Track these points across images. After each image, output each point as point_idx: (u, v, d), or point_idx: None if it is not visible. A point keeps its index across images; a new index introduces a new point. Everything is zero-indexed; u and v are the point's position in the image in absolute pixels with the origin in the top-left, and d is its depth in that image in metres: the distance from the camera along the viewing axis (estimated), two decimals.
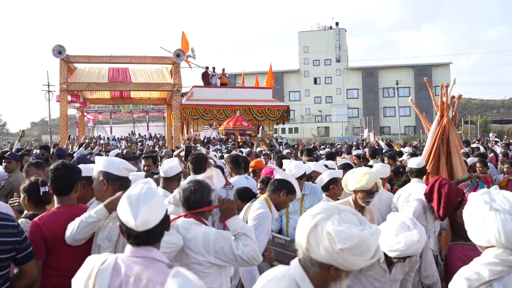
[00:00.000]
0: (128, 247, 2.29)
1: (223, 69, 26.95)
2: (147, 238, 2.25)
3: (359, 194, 4.49)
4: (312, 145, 22.00)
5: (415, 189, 5.58)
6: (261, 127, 26.53)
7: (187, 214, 3.40)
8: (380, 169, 6.45)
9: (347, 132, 69.16)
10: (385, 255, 3.52)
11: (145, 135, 47.32)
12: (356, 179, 4.44)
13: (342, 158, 9.88)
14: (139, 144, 38.48)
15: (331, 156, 9.72)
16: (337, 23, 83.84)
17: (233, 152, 8.09)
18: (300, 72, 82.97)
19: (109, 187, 3.51)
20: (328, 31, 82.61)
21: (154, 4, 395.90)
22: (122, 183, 3.52)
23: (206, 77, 25.42)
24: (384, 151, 11.89)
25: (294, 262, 2.08)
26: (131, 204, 2.25)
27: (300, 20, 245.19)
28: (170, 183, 4.88)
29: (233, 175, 6.49)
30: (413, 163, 6.04)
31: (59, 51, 20.24)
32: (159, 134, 45.84)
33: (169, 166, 4.96)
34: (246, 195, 5.05)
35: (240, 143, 18.45)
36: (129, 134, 51.43)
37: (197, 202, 3.37)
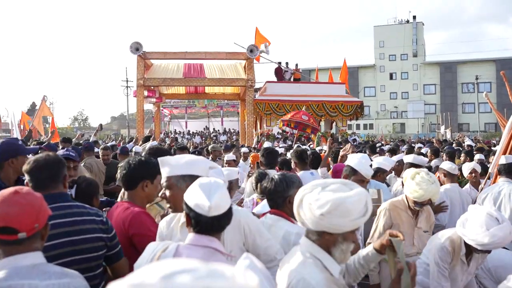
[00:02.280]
0: (190, 236, 2.32)
1: (296, 65, 26.93)
2: (216, 224, 2.28)
3: (410, 199, 4.37)
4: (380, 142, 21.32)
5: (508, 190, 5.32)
6: (334, 123, 26.29)
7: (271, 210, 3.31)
8: (382, 162, 6.25)
9: (424, 128, 67.43)
10: (466, 246, 3.51)
11: (219, 130, 47.96)
12: (411, 189, 4.25)
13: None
14: (214, 138, 39.09)
15: (394, 152, 9.71)
16: (414, 17, 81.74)
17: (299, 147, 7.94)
18: (375, 67, 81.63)
19: None
20: (405, 25, 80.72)
21: (228, 0, 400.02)
22: None
23: (279, 73, 25.44)
24: (445, 147, 11.18)
25: (302, 240, 2.34)
26: (204, 189, 2.26)
27: (376, 14, 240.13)
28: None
29: (298, 171, 6.36)
30: (503, 159, 5.69)
31: (136, 48, 20.75)
32: (233, 129, 46.36)
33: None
34: None
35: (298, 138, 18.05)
36: (203, 128, 52.32)
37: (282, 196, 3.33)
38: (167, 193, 2.92)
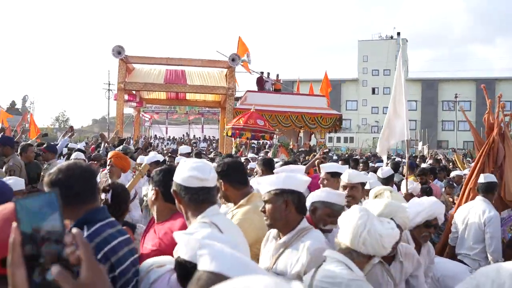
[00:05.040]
0: None
1: (277, 75, 27.00)
2: None
3: None
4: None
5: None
6: (313, 135, 26.43)
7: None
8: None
9: (403, 144, 68.05)
10: None
11: (199, 137, 47.96)
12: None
13: None
14: (193, 145, 39.08)
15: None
16: (398, 33, 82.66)
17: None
18: (358, 81, 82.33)
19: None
20: (389, 41, 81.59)
21: (212, 9, 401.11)
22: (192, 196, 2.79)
23: (261, 82, 25.51)
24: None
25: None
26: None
27: (361, 29, 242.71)
28: None
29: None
30: (481, 178, 5.87)
31: (118, 51, 20.78)
32: (213, 136, 46.38)
33: None
34: None
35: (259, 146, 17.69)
36: (183, 135, 52.26)
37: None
38: (266, 207, 2.99)
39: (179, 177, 2.81)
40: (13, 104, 79.19)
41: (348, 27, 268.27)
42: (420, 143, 33.72)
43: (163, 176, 3.20)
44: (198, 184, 2.72)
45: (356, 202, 4.49)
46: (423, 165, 12.40)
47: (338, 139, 68.19)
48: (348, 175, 4.57)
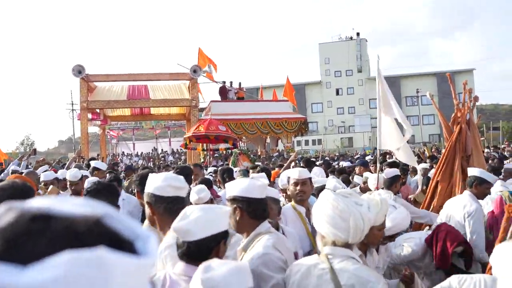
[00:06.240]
0: (180, 265, 2.30)
1: (240, 83, 27.20)
2: (196, 252, 2.23)
3: None
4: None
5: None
6: (279, 140, 26.67)
7: None
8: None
9: (371, 142, 68.84)
10: None
11: (167, 151, 47.79)
12: None
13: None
14: (162, 159, 38.94)
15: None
16: (358, 34, 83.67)
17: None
18: (322, 84, 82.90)
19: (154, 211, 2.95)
20: (349, 42, 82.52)
21: (171, 21, 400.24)
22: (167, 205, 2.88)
23: (224, 92, 25.68)
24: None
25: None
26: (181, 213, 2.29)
27: (321, 31, 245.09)
28: None
29: (223, 188, 6.49)
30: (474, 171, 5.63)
31: (78, 70, 20.69)
32: (180, 149, 46.28)
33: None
34: None
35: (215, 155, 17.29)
36: (152, 150, 52.04)
37: None
38: None
39: (152, 187, 2.89)
40: None
41: (308, 30, 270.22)
42: (378, 141, 34.01)
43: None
44: (173, 193, 2.82)
45: (307, 196, 4.75)
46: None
47: (306, 142, 68.51)
48: (298, 172, 4.73)
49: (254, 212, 3.03)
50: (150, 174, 3.08)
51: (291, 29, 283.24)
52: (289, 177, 4.90)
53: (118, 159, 39.08)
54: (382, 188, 6.19)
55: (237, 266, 1.83)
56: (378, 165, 6.83)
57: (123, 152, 50.60)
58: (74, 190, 6.61)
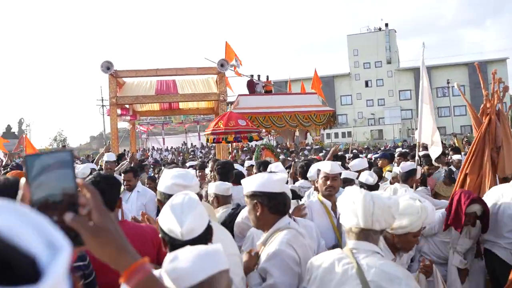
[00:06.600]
0: None
1: (267, 77, 27.14)
2: None
3: None
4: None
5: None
6: (308, 133, 26.53)
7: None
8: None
9: (401, 134, 68.14)
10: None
11: (196, 145, 48.01)
12: None
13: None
14: (191, 154, 39.13)
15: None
16: (386, 24, 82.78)
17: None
18: (350, 76, 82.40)
19: None
20: (378, 33, 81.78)
21: (198, 16, 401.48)
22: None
23: (251, 85, 25.64)
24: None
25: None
26: (175, 212, 2.19)
27: (349, 23, 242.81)
28: None
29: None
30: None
31: (107, 67, 20.79)
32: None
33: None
34: (293, 196, 5.01)
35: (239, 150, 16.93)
36: (181, 144, 52.35)
37: None
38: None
39: (162, 186, 2.90)
40: (8, 128, 79.32)
41: (336, 22, 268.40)
42: (417, 132, 33.59)
43: None
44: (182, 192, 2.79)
45: (336, 191, 4.63)
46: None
47: (336, 135, 68.29)
48: (330, 166, 4.63)
49: (275, 207, 3.02)
50: (163, 171, 3.08)
51: (319, 21, 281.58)
52: (318, 170, 4.78)
53: (148, 154, 39.35)
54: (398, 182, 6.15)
55: (205, 251, 1.77)
56: (417, 157, 6.76)
57: (153, 146, 50.98)
58: None
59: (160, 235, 2.27)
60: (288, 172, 7.75)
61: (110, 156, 9.38)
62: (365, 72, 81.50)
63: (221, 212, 4.68)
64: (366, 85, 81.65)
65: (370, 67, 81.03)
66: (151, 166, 13.28)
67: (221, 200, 4.93)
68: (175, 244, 2.13)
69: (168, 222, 2.19)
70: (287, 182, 6.46)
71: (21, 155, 16.77)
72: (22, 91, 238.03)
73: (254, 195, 3.02)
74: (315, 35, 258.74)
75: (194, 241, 2.10)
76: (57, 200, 1.08)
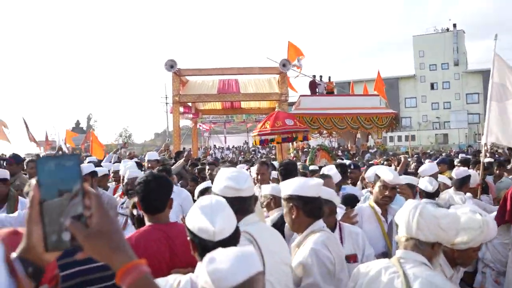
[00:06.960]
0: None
1: (329, 77, 26.88)
2: None
3: None
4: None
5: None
6: (370, 135, 26.14)
7: None
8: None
9: (468, 139, 66.14)
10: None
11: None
12: None
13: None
14: (252, 153, 39.30)
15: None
16: (454, 25, 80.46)
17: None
18: (416, 78, 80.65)
19: None
20: (445, 34, 79.59)
21: (262, 15, 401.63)
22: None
23: (313, 86, 25.50)
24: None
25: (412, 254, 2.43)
26: (205, 212, 2.19)
27: (414, 24, 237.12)
28: None
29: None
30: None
31: (171, 65, 21.17)
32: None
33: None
34: (349, 202, 5.00)
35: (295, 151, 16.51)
36: (243, 143, 52.71)
37: None
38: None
39: (217, 188, 2.90)
40: (77, 123, 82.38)
41: (401, 22, 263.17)
42: (484, 137, 32.52)
43: None
44: (233, 194, 2.79)
45: (391, 202, 4.50)
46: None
47: (399, 138, 66.86)
48: (392, 176, 4.43)
49: (310, 211, 3.13)
50: (219, 171, 3.05)
51: (383, 21, 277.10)
52: (377, 175, 4.60)
53: (210, 152, 39.82)
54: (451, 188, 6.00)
55: (242, 252, 1.78)
56: (482, 161, 6.57)
57: (214, 145, 51.60)
58: (115, 181, 8.13)
59: (188, 238, 2.25)
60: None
61: (152, 155, 9.57)
62: (431, 74, 79.57)
63: (276, 214, 4.65)
64: (432, 87, 79.69)
65: (436, 69, 79.01)
66: (208, 164, 13.22)
67: (278, 201, 4.89)
68: (206, 246, 2.12)
69: (198, 222, 2.19)
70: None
71: (88, 150, 17.34)
72: (91, 88, 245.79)
73: (290, 198, 3.12)
74: (379, 36, 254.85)
75: (224, 243, 2.10)
76: (64, 202, 1.17)
